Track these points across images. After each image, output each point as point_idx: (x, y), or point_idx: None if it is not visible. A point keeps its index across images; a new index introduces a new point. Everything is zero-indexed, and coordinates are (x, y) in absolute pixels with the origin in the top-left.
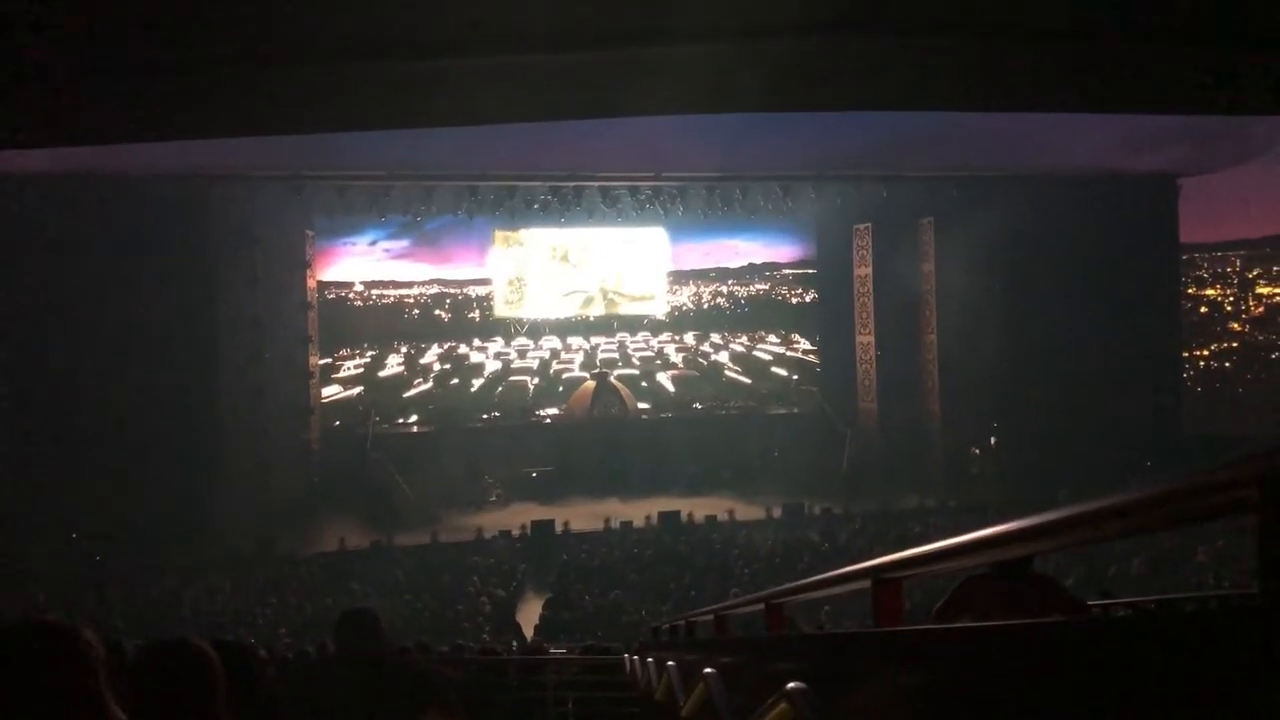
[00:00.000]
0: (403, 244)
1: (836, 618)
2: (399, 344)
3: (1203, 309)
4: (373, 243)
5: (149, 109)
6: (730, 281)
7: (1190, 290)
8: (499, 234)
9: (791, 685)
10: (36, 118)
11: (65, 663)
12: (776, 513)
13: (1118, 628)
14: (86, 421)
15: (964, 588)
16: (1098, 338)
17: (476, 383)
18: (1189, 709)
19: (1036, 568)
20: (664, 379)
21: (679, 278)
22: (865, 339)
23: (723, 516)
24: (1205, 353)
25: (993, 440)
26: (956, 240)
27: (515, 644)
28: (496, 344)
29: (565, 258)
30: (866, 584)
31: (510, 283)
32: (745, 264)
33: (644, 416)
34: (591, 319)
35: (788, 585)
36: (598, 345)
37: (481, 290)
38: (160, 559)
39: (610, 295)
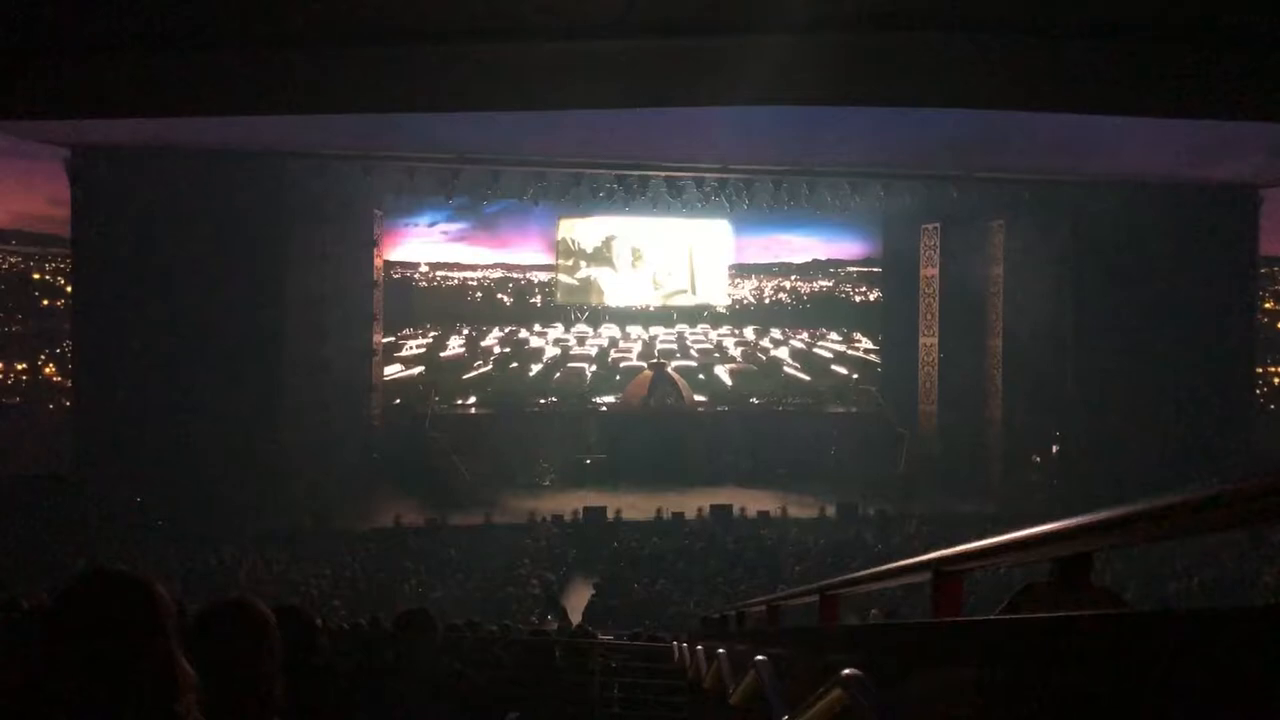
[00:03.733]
0: (461, 227)
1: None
2: (461, 326)
3: None
4: (431, 224)
5: (223, 83)
6: (793, 277)
7: (1268, 304)
8: (563, 220)
9: (847, 671)
10: (116, 89)
11: (136, 610)
12: (830, 511)
13: (1186, 621)
14: (152, 389)
15: (1021, 596)
16: (1168, 349)
17: (535, 367)
18: (1259, 706)
19: (1093, 583)
20: (722, 372)
21: (741, 271)
22: (929, 341)
23: (775, 513)
24: None
25: (1054, 449)
26: (1027, 244)
27: (560, 626)
28: (556, 330)
29: (628, 247)
30: (925, 577)
31: (571, 269)
32: (809, 260)
33: (700, 409)
34: (651, 309)
35: (844, 576)
36: (656, 335)
37: (544, 276)
38: (219, 529)
39: (671, 285)
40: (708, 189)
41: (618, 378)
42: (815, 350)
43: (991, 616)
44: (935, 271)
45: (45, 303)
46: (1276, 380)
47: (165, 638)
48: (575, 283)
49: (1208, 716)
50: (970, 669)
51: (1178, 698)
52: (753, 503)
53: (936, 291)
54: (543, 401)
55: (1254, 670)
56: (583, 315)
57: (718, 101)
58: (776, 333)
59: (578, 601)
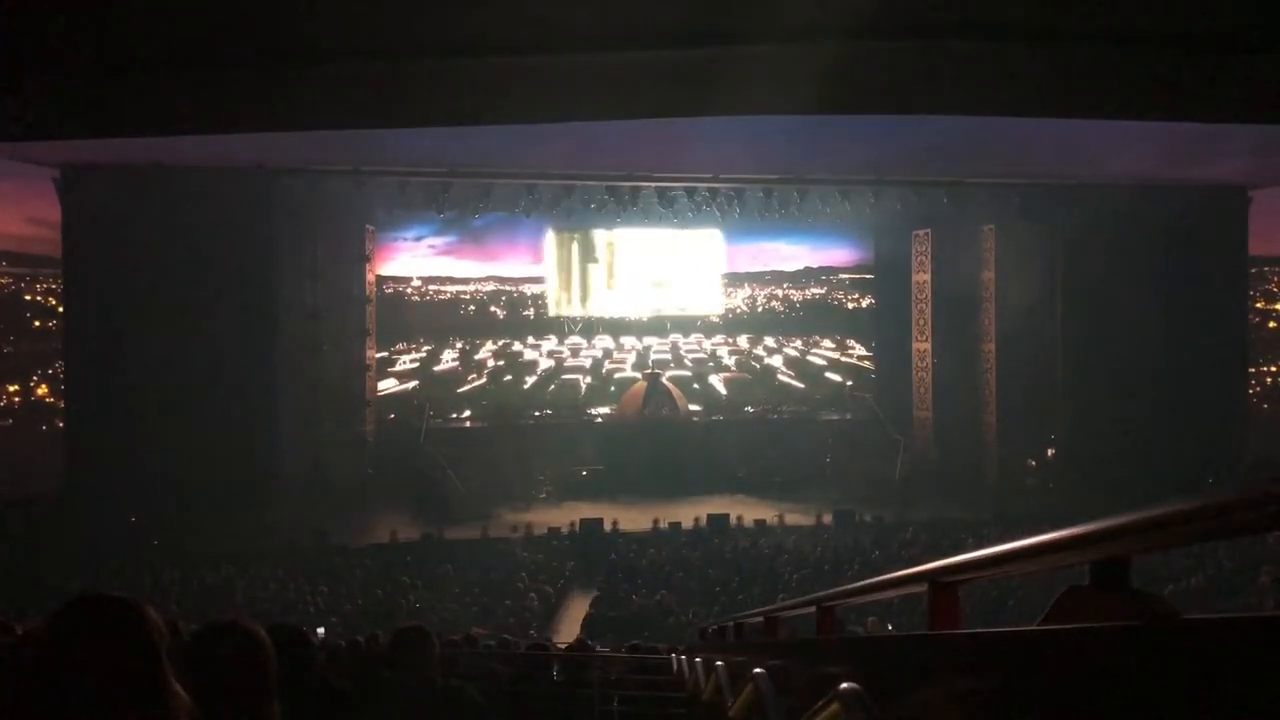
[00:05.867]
0: (448, 240)
1: (883, 628)
2: (454, 339)
3: (1271, 323)
4: (418, 238)
5: (215, 101)
6: (785, 285)
7: (1259, 304)
8: (555, 232)
9: (844, 685)
10: (104, 110)
11: (129, 636)
12: (827, 519)
13: (1186, 633)
14: (145, 408)
15: (1061, 602)
16: (1161, 350)
17: (529, 380)
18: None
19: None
20: (716, 381)
21: (734, 280)
22: (922, 346)
23: (772, 521)
24: (1274, 369)
25: (1050, 453)
26: (1018, 248)
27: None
28: (550, 342)
29: (620, 257)
30: (922, 588)
31: (564, 281)
32: (801, 267)
33: (695, 418)
34: (644, 320)
35: (841, 588)
36: (650, 346)
37: (537, 288)
38: (215, 547)
39: (664, 295)
40: (699, 199)
41: (612, 389)
42: (809, 357)
43: (987, 630)
44: (927, 277)
45: (37, 324)
46: (1269, 380)
47: (158, 662)
48: (568, 294)
49: None
50: (967, 682)
51: (1180, 710)
52: (749, 511)
53: (929, 297)
54: (538, 414)
55: (1252, 682)
56: (576, 327)
57: (718, 112)
58: (770, 341)
59: (577, 614)
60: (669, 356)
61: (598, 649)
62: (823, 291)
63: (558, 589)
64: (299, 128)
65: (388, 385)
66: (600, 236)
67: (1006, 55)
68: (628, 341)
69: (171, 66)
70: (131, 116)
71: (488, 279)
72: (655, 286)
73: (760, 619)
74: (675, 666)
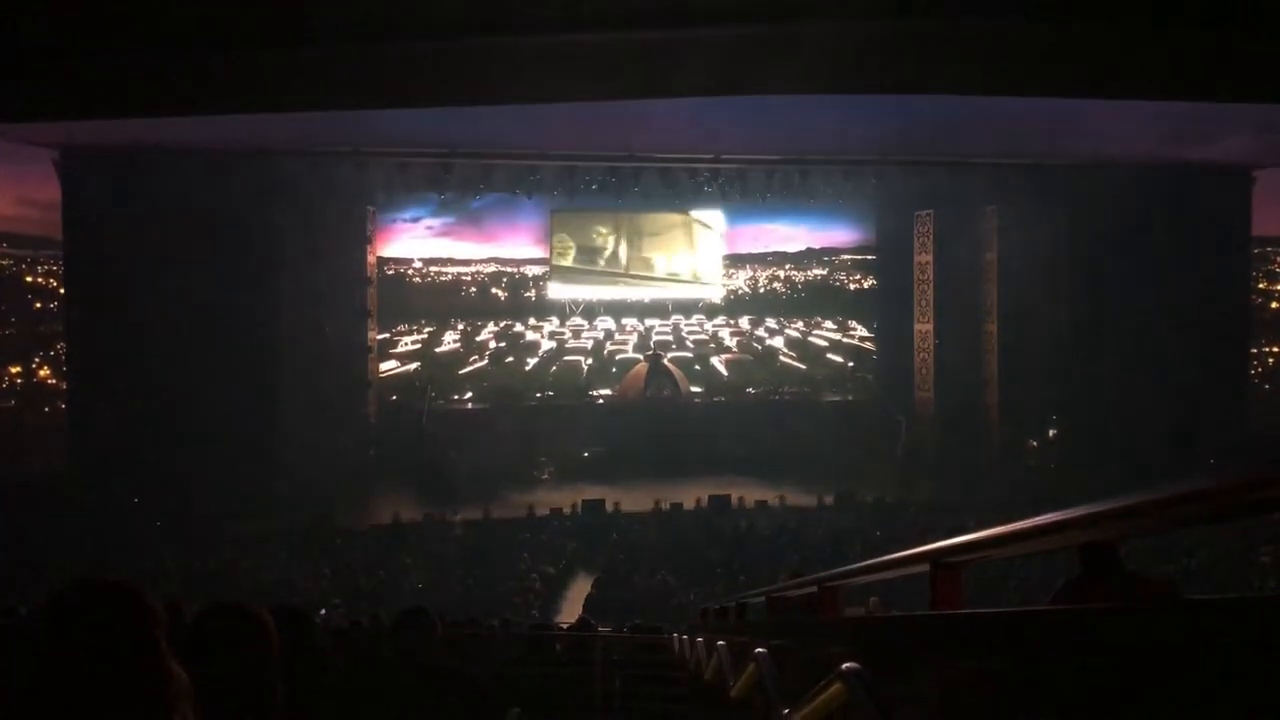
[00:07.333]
0: (446, 221)
1: (886, 608)
2: (456, 321)
3: (1274, 304)
4: (416, 219)
5: (215, 83)
6: (788, 266)
7: (1261, 285)
8: (556, 213)
9: (846, 665)
10: (99, 90)
11: (126, 620)
12: (828, 500)
13: (1184, 615)
14: (147, 390)
15: (1062, 592)
16: (1163, 331)
17: (531, 361)
18: (1262, 698)
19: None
20: (718, 363)
21: (735, 261)
22: (924, 327)
23: (773, 502)
24: (1275, 349)
25: (1051, 434)
26: (1021, 229)
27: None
28: (551, 323)
29: (621, 239)
30: (924, 569)
31: (565, 262)
32: (803, 248)
33: (697, 400)
34: (646, 301)
35: (843, 568)
36: (652, 327)
37: (538, 270)
38: (218, 529)
39: (665, 277)
40: (700, 179)
41: (614, 370)
42: (810, 339)
43: (989, 610)
44: (929, 258)
45: (38, 306)
46: (1271, 360)
47: (154, 645)
48: (569, 276)
49: (1209, 708)
50: (968, 661)
51: (1179, 690)
52: (750, 492)
53: (931, 278)
54: (539, 395)
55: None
56: (577, 308)
57: (730, 91)
58: (771, 322)
59: (579, 594)
60: (670, 338)
61: (600, 629)
62: (824, 272)
63: (560, 570)
64: (288, 109)
65: (389, 367)
66: (602, 217)
67: (1009, 34)
68: (629, 323)
69: (163, 48)
70: (124, 96)
71: (489, 260)
72: (657, 268)
73: (762, 599)
74: (677, 647)
